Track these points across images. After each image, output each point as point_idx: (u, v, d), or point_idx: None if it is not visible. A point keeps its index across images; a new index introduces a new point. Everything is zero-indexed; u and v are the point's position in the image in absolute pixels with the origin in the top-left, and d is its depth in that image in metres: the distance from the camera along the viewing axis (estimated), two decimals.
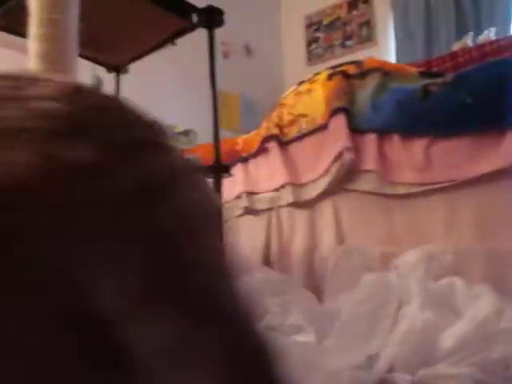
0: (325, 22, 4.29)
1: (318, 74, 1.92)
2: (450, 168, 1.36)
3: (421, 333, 0.81)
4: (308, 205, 1.71)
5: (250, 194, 1.87)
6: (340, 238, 1.60)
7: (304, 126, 1.79)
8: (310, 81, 1.92)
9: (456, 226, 1.35)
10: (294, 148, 1.81)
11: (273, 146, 1.82)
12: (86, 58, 1.78)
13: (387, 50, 3.86)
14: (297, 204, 1.73)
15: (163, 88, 3.32)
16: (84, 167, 0.21)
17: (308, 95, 1.85)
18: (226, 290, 0.26)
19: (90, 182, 0.21)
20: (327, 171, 1.61)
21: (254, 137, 2.00)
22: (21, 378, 0.18)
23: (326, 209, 1.66)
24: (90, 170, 0.21)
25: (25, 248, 0.18)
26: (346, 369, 0.80)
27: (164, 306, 0.22)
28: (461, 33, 3.19)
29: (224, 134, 2.65)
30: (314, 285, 1.55)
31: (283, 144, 1.82)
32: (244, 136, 2.14)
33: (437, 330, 0.82)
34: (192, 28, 1.55)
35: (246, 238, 1.89)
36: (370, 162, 1.53)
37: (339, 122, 1.61)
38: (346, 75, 1.76)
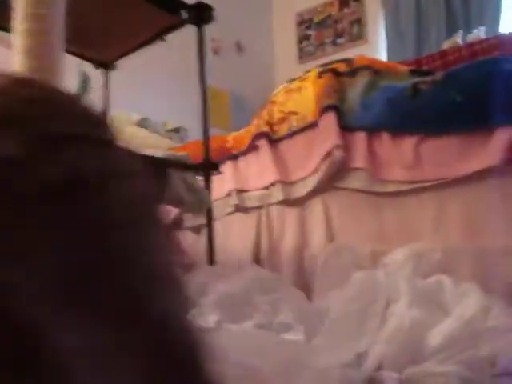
0: (316, 19, 4.28)
1: (308, 71, 1.92)
2: (440, 166, 1.37)
3: (409, 331, 0.81)
4: (298, 203, 1.71)
5: (240, 191, 1.86)
6: (330, 236, 1.60)
7: (294, 123, 1.79)
8: (301, 78, 1.91)
9: (445, 224, 1.36)
10: (284, 146, 1.80)
11: (263, 143, 1.82)
12: (73, 53, 1.76)
13: (378, 48, 3.87)
14: (287, 202, 1.73)
15: (154, 85, 3.30)
16: (5, 159, 0.20)
17: (298, 93, 1.84)
18: (158, 292, 0.24)
19: (8, 175, 0.20)
20: (317, 169, 1.61)
21: (245, 134, 1.99)
22: None
23: (316, 207, 1.66)
24: (10, 162, 0.20)
25: None
26: (335, 367, 0.80)
27: (86, 308, 0.21)
28: (451, 31, 3.21)
29: (215, 132, 2.65)
30: (304, 283, 1.55)
31: (273, 141, 1.82)
32: (234, 133, 2.14)
33: (424, 328, 0.82)
34: (181, 24, 1.54)
35: (235, 236, 1.89)
36: (359, 159, 1.53)
37: (329, 120, 1.61)
38: (336, 73, 1.75)
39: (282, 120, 1.83)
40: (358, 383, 0.75)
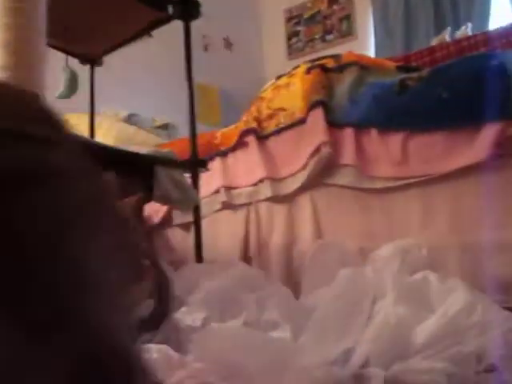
0: (305, 15, 4.28)
1: (296, 67, 1.91)
2: (426, 162, 1.37)
3: (394, 328, 0.81)
4: (286, 199, 1.71)
5: (229, 188, 1.85)
6: (318, 233, 1.60)
7: (282, 119, 1.78)
8: (289, 74, 1.90)
9: (432, 220, 1.36)
10: (272, 142, 1.80)
11: (251, 140, 1.81)
12: (59, 49, 1.73)
13: (367, 44, 3.87)
14: (275, 198, 1.72)
15: (143, 81, 3.27)
16: None
17: (286, 89, 1.83)
18: (83, 299, 0.23)
19: None
20: (305, 165, 1.61)
21: (233, 131, 1.98)
22: None
23: (305, 203, 1.65)
24: None
25: None
26: (321, 365, 0.79)
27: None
28: (439, 28, 3.22)
29: (204, 128, 2.63)
30: (293, 279, 1.55)
31: (262, 138, 1.81)
32: (223, 130, 2.12)
33: (410, 325, 0.82)
34: (168, 20, 1.53)
35: (224, 232, 1.88)
36: (347, 156, 1.53)
37: (317, 116, 1.60)
38: (324, 69, 1.75)
39: (271, 116, 1.83)
40: (343, 381, 0.75)
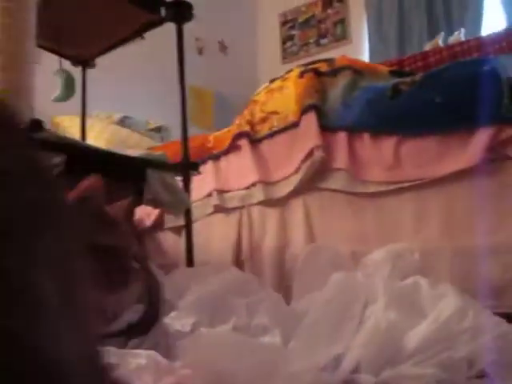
0: (300, 19, 4.28)
1: (290, 71, 1.91)
2: (419, 167, 1.37)
3: (385, 333, 0.80)
4: (279, 203, 1.70)
5: (221, 191, 1.84)
6: (311, 237, 1.59)
7: (275, 123, 1.77)
8: (282, 78, 1.90)
9: (424, 224, 1.36)
10: (265, 146, 1.79)
11: (244, 143, 1.80)
12: (51, 50, 1.72)
13: (362, 48, 3.88)
14: (268, 202, 1.71)
15: (137, 84, 3.26)
16: None
17: (280, 92, 1.83)
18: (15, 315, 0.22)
19: None
20: (298, 169, 1.60)
21: (226, 134, 1.97)
22: None
23: (297, 207, 1.64)
24: None
25: None
26: (311, 370, 0.79)
27: None
28: (433, 33, 3.24)
29: (197, 131, 2.62)
30: (285, 283, 1.54)
31: (255, 141, 1.80)
32: (216, 133, 2.12)
33: (401, 331, 0.81)
34: (160, 22, 1.52)
35: (217, 236, 1.87)
36: (340, 160, 1.52)
37: (310, 120, 1.60)
38: (317, 73, 1.75)
39: (264, 120, 1.82)
40: None
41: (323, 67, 1.78)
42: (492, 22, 3.29)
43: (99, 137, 2.38)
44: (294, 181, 1.62)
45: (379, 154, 1.45)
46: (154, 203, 1.36)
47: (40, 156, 0.26)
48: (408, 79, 1.47)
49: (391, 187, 1.42)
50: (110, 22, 1.53)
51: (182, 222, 1.72)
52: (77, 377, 0.23)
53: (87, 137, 2.12)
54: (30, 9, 0.92)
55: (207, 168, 1.89)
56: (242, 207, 1.79)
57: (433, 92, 1.35)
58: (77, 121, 2.10)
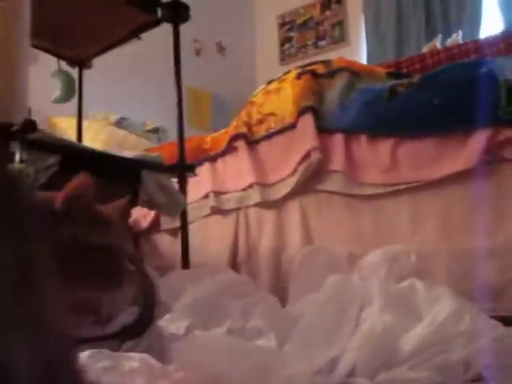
0: (298, 21, 4.28)
1: (287, 72, 1.91)
2: (416, 169, 1.36)
3: (380, 336, 0.79)
4: (276, 205, 1.69)
5: (218, 193, 1.83)
6: (307, 238, 1.58)
7: (273, 125, 1.77)
8: (280, 79, 1.90)
9: (421, 226, 1.36)
10: (262, 147, 1.78)
11: (241, 145, 1.80)
12: (47, 51, 1.72)
13: (360, 50, 3.88)
14: (265, 204, 1.71)
15: (134, 85, 3.25)
16: None
17: (277, 94, 1.83)
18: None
19: None
20: (295, 171, 1.60)
21: (223, 135, 1.97)
22: None
23: (294, 209, 1.64)
24: None
25: None
26: (305, 374, 0.78)
27: None
28: (430, 36, 3.24)
29: (195, 133, 2.60)
30: (282, 285, 1.53)
31: (252, 143, 1.80)
32: (212, 134, 2.11)
33: (397, 334, 0.81)
34: (157, 22, 1.52)
35: (213, 238, 1.86)
36: (337, 162, 1.52)
37: (307, 122, 1.59)
38: (314, 74, 1.74)
39: (261, 121, 1.82)
40: None
41: (320, 69, 1.78)
42: (490, 25, 3.30)
43: (96, 138, 2.38)
44: (291, 182, 1.62)
45: (376, 156, 1.44)
46: (150, 204, 1.35)
47: None
48: (405, 81, 1.47)
49: (388, 189, 1.42)
50: (106, 23, 1.52)
51: (178, 223, 1.71)
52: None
53: (84, 138, 2.11)
54: (25, 9, 0.92)
55: (204, 169, 1.89)
56: (239, 209, 1.79)
57: (430, 94, 1.35)
58: (74, 122, 2.09)
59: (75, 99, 1.97)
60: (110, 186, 1.02)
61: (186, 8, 1.51)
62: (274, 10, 4.41)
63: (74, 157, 1.08)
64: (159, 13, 1.47)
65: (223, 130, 2.04)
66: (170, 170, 1.47)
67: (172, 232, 1.94)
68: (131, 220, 2.00)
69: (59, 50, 1.75)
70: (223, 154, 1.87)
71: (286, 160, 1.64)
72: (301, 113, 1.63)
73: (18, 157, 0.86)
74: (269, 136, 1.76)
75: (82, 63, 1.84)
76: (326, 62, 1.82)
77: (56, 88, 1.81)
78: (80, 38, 1.64)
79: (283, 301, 1.24)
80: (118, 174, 1.26)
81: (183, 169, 1.52)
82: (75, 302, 0.62)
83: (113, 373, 0.79)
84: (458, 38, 2.67)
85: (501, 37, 2.32)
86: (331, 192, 1.54)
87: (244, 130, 1.83)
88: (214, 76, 3.92)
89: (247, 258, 1.72)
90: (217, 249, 1.82)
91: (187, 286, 1.15)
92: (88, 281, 0.63)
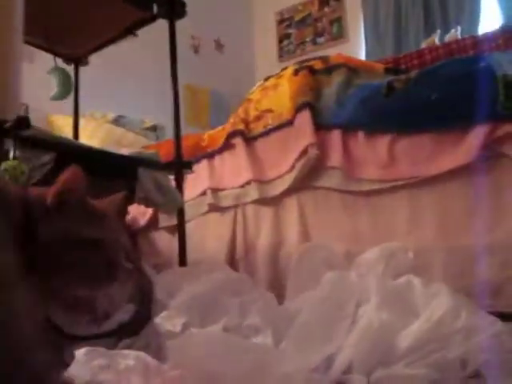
0: (296, 18, 4.27)
1: (284, 69, 1.90)
2: (414, 164, 1.36)
3: (377, 333, 0.79)
4: (273, 201, 1.69)
5: (215, 190, 1.83)
6: (305, 235, 1.58)
7: (270, 121, 1.76)
8: (277, 76, 1.89)
9: (419, 222, 1.35)
10: (260, 144, 1.78)
11: (238, 141, 1.79)
12: (43, 48, 1.71)
13: (358, 47, 3.87)
14: (262, 201, 1.70)
15: (132, 82, 3.24)
16: None
17: (274, 90, 1.82)
18: None
19: None
20: (292, 167, 1.59)
21: (220, 132, 1.96)
22: None
23: (292, 205, 1.63)
24: None
25: None
26: (302, 371, 0.77)
27: None
28: (429, 31, 3.23)
29: (193, 130, 2.59)
30: (280, 281, 1.53)
31: (249, 140, 1.79)
32: (210, 131, 2.10)
33: (394, 330, 0.80)
34: (153, 19, 1.51)
35: (211, 234, 1.86)
36: (335, 158, 1.51)
37: (304, 118, 1.59)
38: (312, 70, 1.73)
39: (258, 118, 1.81)
40: None
41: (318, 65, 1.77)
42: (488, 20, 3.29)
43: (93, 136, 2.37)
44: (289, 179, 1.61)
45: (373, 152, 1.44)
46: (146, 202, 1.34)
47: None
48: (403, 77, 1.46)
49: (386, 185, 1.41)
50: (101, 19, 1.51)
51: (176, 221, 1.71)
52: None
53: (82, 136, 2.10)
54: (18, 5, 0.91)
55: (201, 166, 1.88)
56: (237, 206, 1.78)
57: (427, 89, 1.34)
58: (71, 120, 2.08)
59: (72, 97, 1.96)
60: (106, 184, 1.01)
61: (183, 4, 1.50)
62: (272, 7, 4.40)
63: (69, 154, 1.08)
64: (155, 9, 1.46)
65: (220, 127, 2.03)
66: (167, 167, 1.46)
67: (170, 229, 1.94)
68: (129, 218, 1.99)
69: (54, 47, 1.74)
70: (221, 150, 1.86)
71: (284, 156, 1.64)
72: (298, 109, 1.63)
73: (11, 154, 0.86)
74: (266, 132, 1.75)
75: (78, 60, 1.83)
76: (323, 58, 1.81)
77: (53, 85, 1.81)
78: (75, 35, 1.63)
79: (280, 297, 1.24)
80: (114, 172, 1.25)
81: (180, 166, 1.51)
82: (70, 298, 0.61)
83: (108, 371, 0.78)
84: (456, 33, 2.66)
85: (499, 32, 2.31)
86: (329, 188, 1.54)
87: (241, 126, 1.82)
88: (212, 73, 3.91)
89: (245, 255, 1.72)
90: (215, 246, 1.81)
91: (184, 283, 1.15)
92: (81, 276, 0.62)
